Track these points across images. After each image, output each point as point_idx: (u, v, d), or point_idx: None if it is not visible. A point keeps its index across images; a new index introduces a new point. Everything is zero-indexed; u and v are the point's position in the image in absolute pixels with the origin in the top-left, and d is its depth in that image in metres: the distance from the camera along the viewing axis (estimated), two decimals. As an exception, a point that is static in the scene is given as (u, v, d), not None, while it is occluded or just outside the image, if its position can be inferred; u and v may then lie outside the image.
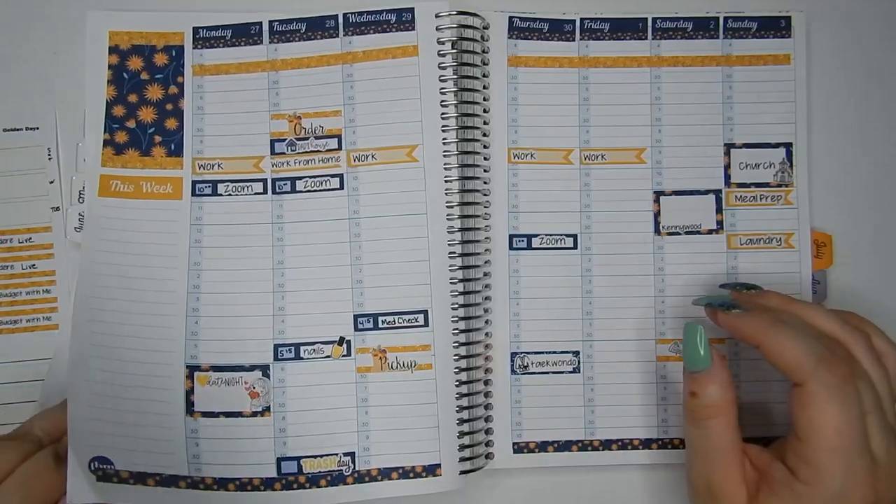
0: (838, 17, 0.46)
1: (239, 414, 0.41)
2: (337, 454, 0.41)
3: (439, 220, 0.42)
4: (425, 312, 0.42)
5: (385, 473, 0.41)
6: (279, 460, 0.41)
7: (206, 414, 0.41)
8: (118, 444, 0.41)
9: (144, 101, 0.44)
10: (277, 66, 0.44)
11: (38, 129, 0.45)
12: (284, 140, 0.43)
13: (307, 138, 0.43)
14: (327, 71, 0.43)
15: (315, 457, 0.41)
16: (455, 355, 0.42)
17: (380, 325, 0.42)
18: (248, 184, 0.43)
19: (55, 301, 0.44)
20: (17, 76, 0.45)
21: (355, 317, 0.42)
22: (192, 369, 0.42)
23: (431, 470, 0.41)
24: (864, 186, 0.46)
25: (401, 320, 0.42)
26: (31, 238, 0.45)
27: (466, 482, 0.42)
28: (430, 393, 0.42)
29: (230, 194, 0.43)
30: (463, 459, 0.42)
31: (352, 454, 0.41)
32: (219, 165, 0.43)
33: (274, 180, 0.43)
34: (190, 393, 0.41)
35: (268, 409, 0.42)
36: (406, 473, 0.41)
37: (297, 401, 0.42)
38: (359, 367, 0.42)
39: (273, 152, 0.43)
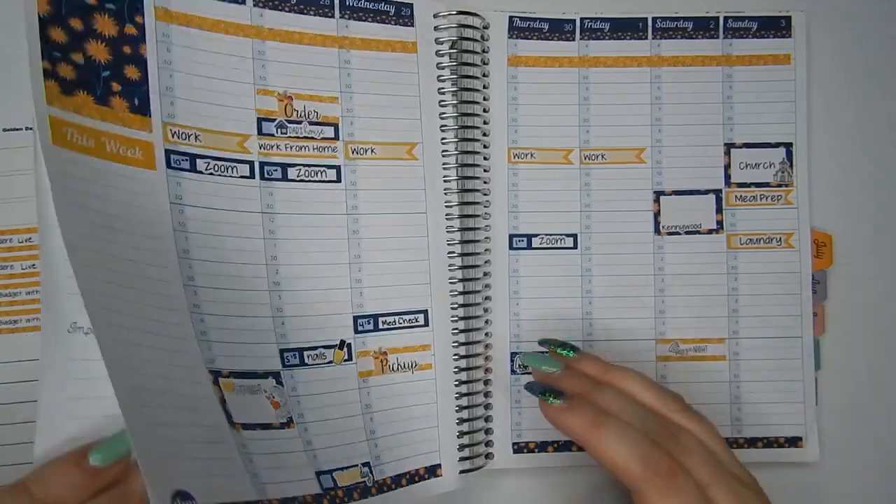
0: (838, 17, 0.46)
1: (270, 426, 0.38)
2: (357, 465, 0.40)
3: (439, 220, 0.42)
4: (425, 312, 0.42)
5: (396, 481, 0.41)
6: (317, 475, 0.39)
7: (245, 426, 0.37)
8: (191, 473, 0.34)
9: (92, 33, 0.36)
10: (264, 34, 0.40)
11: (37, 128, 0.45)
12: (274, 120, 0.40)
13: (300, 122, 0.41)
14: (322, 52, 0.41)
15: (342, 469, 0.39)
16: (455, 355, 0.42)
17: (380, 326, 0.41)
18: (232, 164, 0.39)
19: (55, 301, 0.44)
20: (17, 76, 0.45)
21: (355, 318, 0.41)
22: (215, 375, 0.37)
23: (432, 471, 0.41)
24: (864, 186, 0.46)
25: (401, 321, 0.42)
26: (30, 238, 0.45)
27: (466, 482, 0.42)
28: (430, 393, 0.42)
29: (212, 173, 0.39)
30: (463, 459, 0.42)
31: (368, 464, 0.40)
32: (196, 137, 0.39)
33: (262, 164, 0.40)
34: (224, 402, 0.37)
35: (291, 420, 0.39)
36: (412, 478, 0.41)
37: (313, 411, 0.39)
38: (360, 371, 0.41)
39: (260, 132, 0.40)
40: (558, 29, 0.45)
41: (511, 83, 0.45)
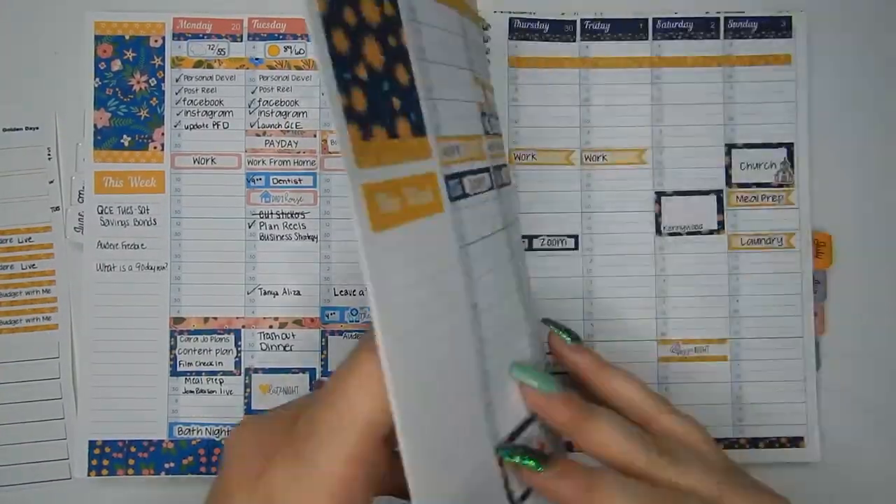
0: (838, 17, 0.46)
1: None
2: None
3: None
4: None
5: None
6: None
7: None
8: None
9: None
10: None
11: (38, 129, 0.45)
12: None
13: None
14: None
15: None
16: None
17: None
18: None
19: (55, 301, 0.44)
20: (17, 76, 0.45)
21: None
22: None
23: None
24: (864, 186, 0.46)
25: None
26: (30, 238, 0.45)
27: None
28: None
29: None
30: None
31: None
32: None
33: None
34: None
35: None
36: None
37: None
38: None
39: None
40: (558, 30, 0.45)
41: (512, 84, 0.45)
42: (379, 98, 0.25)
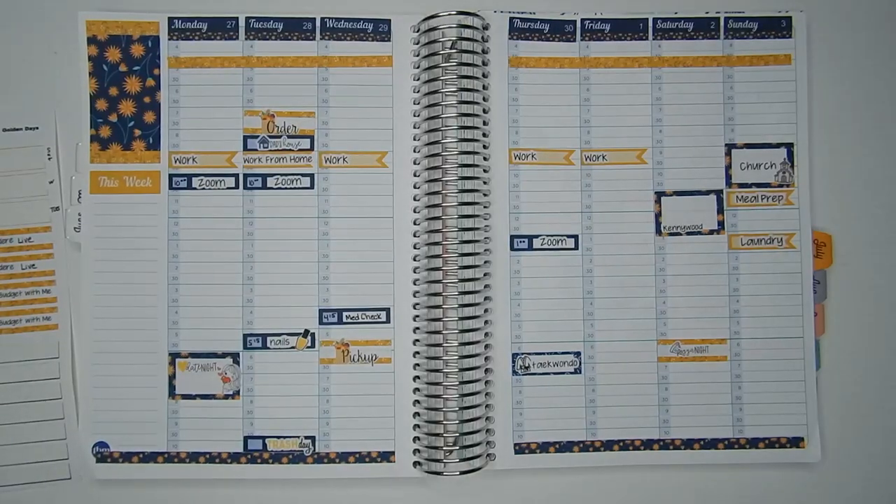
0: (838, 17, 0.46)
1: (213, 396, 0.44)
2: (299, 437, 0.44)
3: (405, 224, 0.44)
4: (387, 310, 0.44)
5: (343, 457, 0.44)
6: (246, 438, 0.44)
7: (185, 396, 0.44)
8: (113, 430, 0.44)
9: (124, 94, 0.45)
10: (253, 62, 0.45)
11: (37, 129, 0.45)
12: (257, 137, 0.45)
13: (280, 136, 0.45)
14: (302, 72, 0.45)
15: (278, 437, 0.44)
16: (416, 352, 0.44)
17: (343, 319, 0.44)
18: (220, 178, 0.45)
19: (55, 301, 0.44)
20: (16, 76, 0.45)
21: (320, 311, 0.44)
22: (173, 356, 0.44)
23: (386, 457, 0.43)
24: (864, 186, 0.46)
25: (363, 316, 0.44)
26: (30, 238, 0.45)
27: (467, 482, 0.42)
28: (388, 385, 0.44)
29: (203, 188, 0.44)
30: (464, 459, 0.42)
31: (313, 438, 0.44)
32: (193, 159, 0.45)
33: (245, 176, 0.44)
34: (172, 378, 0.44)
35: (237, 392, 0.44)
36: (362, 458, 0.44)
37: (264, 387, 0.44)
38: (321, 358, 0.44)
39: (245, 148, 0.45)
40: (559, 30, 0.45)
41: (512, 84, 0.45)
42: (122, 130, 0.45)
